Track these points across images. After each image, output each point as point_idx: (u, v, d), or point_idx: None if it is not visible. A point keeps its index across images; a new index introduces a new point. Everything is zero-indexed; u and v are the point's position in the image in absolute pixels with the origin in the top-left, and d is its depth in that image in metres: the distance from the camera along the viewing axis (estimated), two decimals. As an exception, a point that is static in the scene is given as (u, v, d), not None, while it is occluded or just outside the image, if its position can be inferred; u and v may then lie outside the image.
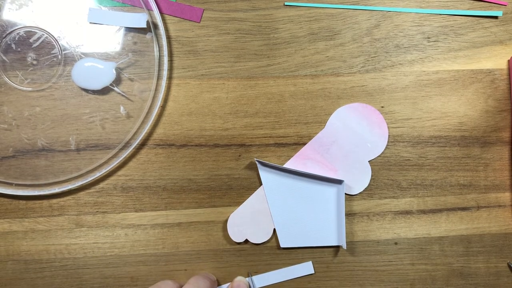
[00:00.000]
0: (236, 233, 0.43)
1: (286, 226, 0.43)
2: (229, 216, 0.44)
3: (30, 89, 0.42)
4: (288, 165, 0.44)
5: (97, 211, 0.43)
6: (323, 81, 0.44)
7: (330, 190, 0.44)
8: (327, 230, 0.44)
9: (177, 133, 0.44)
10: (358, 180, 0.44)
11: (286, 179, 0.43)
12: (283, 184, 0.43)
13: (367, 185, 0.44)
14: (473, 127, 0.45)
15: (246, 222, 0.43)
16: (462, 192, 0.45)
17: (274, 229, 0.44)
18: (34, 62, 0.42)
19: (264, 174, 0.43)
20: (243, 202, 0.44)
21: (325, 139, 0.44)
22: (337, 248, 0.44)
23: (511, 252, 0.45)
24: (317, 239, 0.44)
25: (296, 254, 0.44)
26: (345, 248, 0.43)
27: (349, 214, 0.44)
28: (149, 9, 0.43)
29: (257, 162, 0.43)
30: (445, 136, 0.45)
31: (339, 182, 0.43)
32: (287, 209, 0.43)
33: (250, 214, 0.43)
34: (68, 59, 0.43)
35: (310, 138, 0.44)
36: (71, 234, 0.43)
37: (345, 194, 0.44)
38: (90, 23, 0.43)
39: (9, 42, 0.42)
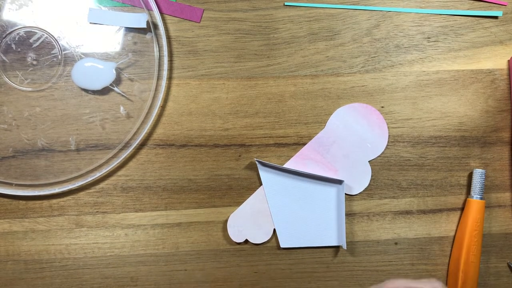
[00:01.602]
0: (236, 233, 0.43)
1: (286, 226, 0.43)
2: (229, 216, 0.44)
3: (30, 89, 0.42)
4: (288, 165, 0.44)
5: (97, 211, 0.43)
6: (323, 81, 0.44)
7: (330, 190, 0.44)
8: (327, 230, 0.44)
9: (177, 133, 0.44)
10: (358, 180, 0.44)
11: (286, 179, 0.43)
12: (283, 184, 0.43)
13: (367, 185, 0.44)
14: (473, 127, 0.45)
15: (246, 222, 0.43)
16: (462, 192, 0.45)
17: (274, 229, 0.44)
18: (34, 62, 0.42)
19: (264, 174, 0.43)
20: (243, 202, 0.44)
21: (325, 139, 0.44)
22: (337, 248, 0.44)
23: (511, 252, 0.45)
24: (317, 239, 0.44)
25: (296, 254, 0.44)
26: (345, 248, 0.43)
27: (349, 214, 0.44)
28: (149, 9, 0.43)
29: (257, 162, 0.43)
30: (445, 136, 0.45)
31: (339, 182, 0.43)
32: (287, 209, 0.43)
33: (250, 214, 0.43)
34: (68, 59, 0.43)
35: (310, 138, 0.44)
36: (71, 234, 0.43)
37: (345, 194, 0.44)
38: (90, 23, 0.43)
39: (9, 42, 0.42)
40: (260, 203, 0.44)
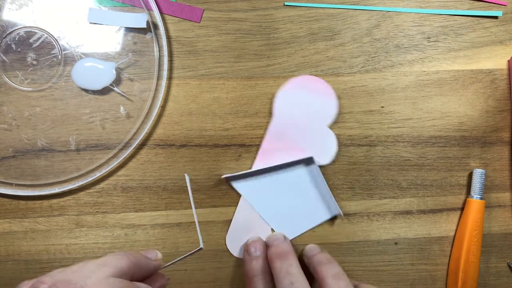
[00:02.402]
0: (238, 248, 0.43)
1: (282, 221, 0.43)
2: (230, 218, 0.44)
3: (30, 89, 0.42)
4: (256, 166, 0.43)
5: (97, 211, 0.43)
6: (323, 81, 0.44)
7: (304, 171, 0.43)
8: (319, 207, 0.44)
9: (177, 133, 0.44)
10: (325, 148, 0.44)
11: (260, 180, 0.43)
12: (260, 186, 0.43)
13: (335, 150, 0.44)
14: (473, 127, 0.45)
15: (243, 235, 0.43)
16: (462, 192, 0.45)
17: (272, 229, 0.44)
18: (34, 62, 0.42)
19: (239, 185, 0.43)
20: (243, 202, 0.44)
21: (278, 126, 0.43)
22: (337, 248, 0.44)
23: (511, 252, 0.45)
24: (314, 219, 0.44)
25: (296, 254, 0.44)
26: (342, 216, 0.43)
27: (349, 214, 0.44)
28: (149, 9, 0.43)
29: (224, 180, 0.43)
30: (445, 136, 0.45)
31: (309, 160, 0.43)
32: (275, 206, 0.43)
33: (244, 226, 0.43)
34: (68, 59, 0.43)
35: (310, 138, 0.44)
36: (71, 234, 0.43)
37: (320, 166, 0.43)
38: (90, 23, 0.43)
39: (9, 42, 0.42)
40: (248, 212, 0.43)
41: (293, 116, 0.43)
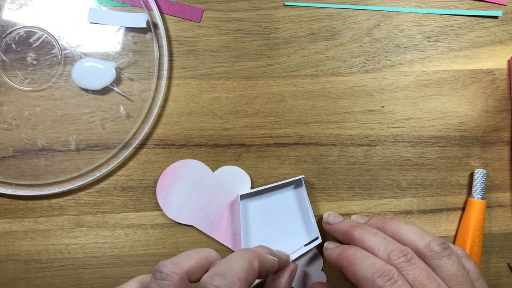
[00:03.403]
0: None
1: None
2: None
3: (30, 89, 0.42)
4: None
5: (97, 211, 0.43)
6: (323, 81, 0.44)
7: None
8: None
9: (177, 133, 0.44)
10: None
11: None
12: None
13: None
14: (473, 127, 0.45)
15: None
16: (462, 192, 0.45)
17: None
18: (34, 62, 0.42)
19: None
20: (243, 202, 0.44)
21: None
22: (337, 248, 0.44)
23: (511, 252, 0.45)
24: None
25: (296, 254, 0.44)
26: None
27: (349, 215, 0.44)
28: (149, 9, 0.43)
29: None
30: (445, 136, 0.45)
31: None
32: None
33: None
34: (68, 59, 0.43)
35: (310, 138, 0.44)
36: (71, 234, 0.43)
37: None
38: (90, 23, 0.43)
39: (9, 42, 0.42)
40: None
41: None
